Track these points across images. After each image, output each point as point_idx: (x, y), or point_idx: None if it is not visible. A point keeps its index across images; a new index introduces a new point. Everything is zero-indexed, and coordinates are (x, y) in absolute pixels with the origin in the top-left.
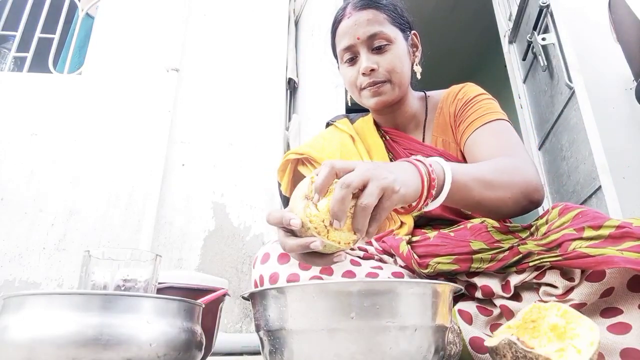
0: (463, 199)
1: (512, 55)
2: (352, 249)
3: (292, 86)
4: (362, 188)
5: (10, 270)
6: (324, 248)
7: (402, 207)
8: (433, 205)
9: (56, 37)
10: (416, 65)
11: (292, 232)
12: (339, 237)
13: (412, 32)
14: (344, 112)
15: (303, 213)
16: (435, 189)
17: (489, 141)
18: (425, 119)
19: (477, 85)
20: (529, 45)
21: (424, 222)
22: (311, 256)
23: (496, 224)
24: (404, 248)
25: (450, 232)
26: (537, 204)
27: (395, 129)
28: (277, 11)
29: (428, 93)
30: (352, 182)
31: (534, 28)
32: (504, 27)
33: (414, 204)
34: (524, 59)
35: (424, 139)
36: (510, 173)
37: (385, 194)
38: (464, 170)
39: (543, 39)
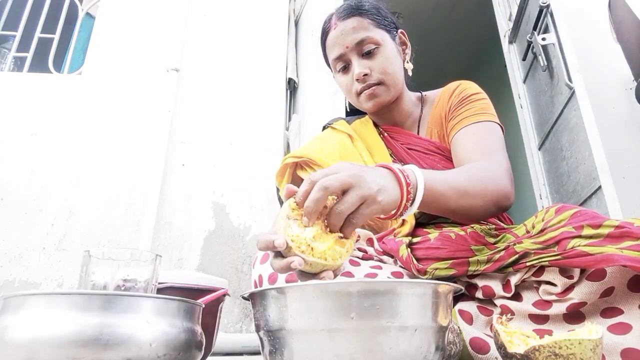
0: (438, 207)
1: (512, 55)
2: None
3: (292, 86)
4: (343, 192)
5: (10, 270)
6: (310, 267)
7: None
8: (407, 214)
9: (56, 37)
10: (407, 62)
11: (280, 254)
12: (324, 253)
13: (399, 31)
14: (344, 111)
15: (285, 233)
16: (410, 200)
17: (471, 141)
18: (421, 114)
19: (474, 84)
20: (529, 45)
21: (426, 219)
22: (299, 275)
23: (492, 232)
24: (404, 252)
25: (451, 233)
26: (504, 209)
27: (393, 126)
28: (277, 11)
29: (425, 93)
30: (330, 186)
31: (534, 28)
32: (504, 27)
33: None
34: (524, 59)
35: (418, 132)
36: (484, 181)
37: (366, 202)
38: (440, 178)
39: (543, 39)
